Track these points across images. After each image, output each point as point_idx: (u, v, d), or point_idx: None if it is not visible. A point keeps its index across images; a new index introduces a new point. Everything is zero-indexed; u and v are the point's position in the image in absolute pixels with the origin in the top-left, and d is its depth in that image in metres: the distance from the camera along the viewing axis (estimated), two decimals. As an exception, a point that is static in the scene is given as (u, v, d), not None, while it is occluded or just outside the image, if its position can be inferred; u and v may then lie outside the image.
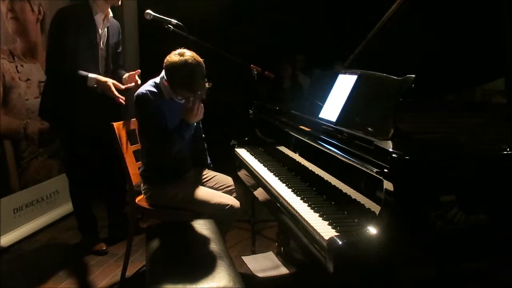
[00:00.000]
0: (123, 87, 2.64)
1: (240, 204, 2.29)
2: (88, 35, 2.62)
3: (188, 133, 2.23)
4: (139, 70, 2.68)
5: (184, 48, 2.17)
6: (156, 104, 2.18)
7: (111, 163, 2.80)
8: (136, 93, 2.23)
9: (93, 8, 2.62)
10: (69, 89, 2.62)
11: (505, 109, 1.52)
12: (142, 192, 2.40)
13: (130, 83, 2.67)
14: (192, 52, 2.15)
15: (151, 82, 2.26)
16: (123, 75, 2.77)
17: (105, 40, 2.73)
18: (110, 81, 2.57)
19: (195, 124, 2.27)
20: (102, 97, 2.63)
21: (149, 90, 2.19)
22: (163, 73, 2.24)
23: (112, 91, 2.55)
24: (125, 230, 2.76)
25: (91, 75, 2.57)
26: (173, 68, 2.11)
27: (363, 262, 1.28)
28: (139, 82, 2.65)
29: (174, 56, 2.12)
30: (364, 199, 1.51)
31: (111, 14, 2.74)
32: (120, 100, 2.60)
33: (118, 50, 2.88)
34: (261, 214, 3.13)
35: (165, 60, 2.15)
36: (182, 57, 2.10)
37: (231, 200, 2.27)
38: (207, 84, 2.19)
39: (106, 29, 2.72)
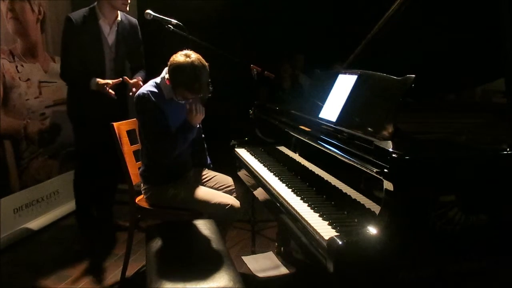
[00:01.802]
0: (110, 82, 2.66)
1: (240, 204, 2.29)
2: (92, 41, 2.69)
3: (190, 135, 2.24)
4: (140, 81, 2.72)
5: (190, 50, 2.18)
6: (157, 104, 2.18)
7: (108, 162, 2.86)
8: (137, 94, 2.23)
9: (98, 14, 2.68)
10: (80, 89, 2.72)
11: (505, 109, 1.52)
12: (142, 192, 2.40)
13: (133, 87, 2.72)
14: (197, 54, 2.16)
15: (151, 82, 2.26)
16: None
17: (113, 44, 2.77)
18: (101, 81, 2.65)
19: (198, 126, 2.27)
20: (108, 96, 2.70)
21: (149, 91, 2.19)
22: (163, 73, 2.24)
23: (103, 89, 2.63)
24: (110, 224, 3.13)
25: (93, 80, 2.65)
26: (178, 69, 2.12)
27: (363, 262, 1.28)
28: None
29: (180, 57, 2.13)
30: (364, 199, 1.51)
31: (119, 18, 2.77)
32: (110, 94, 2.64)
33: (139, 50, 2.94)
34: (261, 214, 3.13)
35: (170, 60, 2.16)
36: (188, 59, 2.11)
37: (231, 200, 2.27)
38: (210, 87, 2.20)
39: (115, 31, 2.76)
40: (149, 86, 2.23)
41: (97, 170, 2.90)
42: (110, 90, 2.63)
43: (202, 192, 2.30)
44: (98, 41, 2.71)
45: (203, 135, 2.58)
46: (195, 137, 2.41)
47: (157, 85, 2.23)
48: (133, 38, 2.89)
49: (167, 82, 2.20)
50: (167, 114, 2.22)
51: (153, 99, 2.17)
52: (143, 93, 2.18)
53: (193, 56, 2.13)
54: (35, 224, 3.22)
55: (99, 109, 2.69)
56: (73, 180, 2.99)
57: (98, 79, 2.65)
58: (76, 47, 2.65)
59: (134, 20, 2.91)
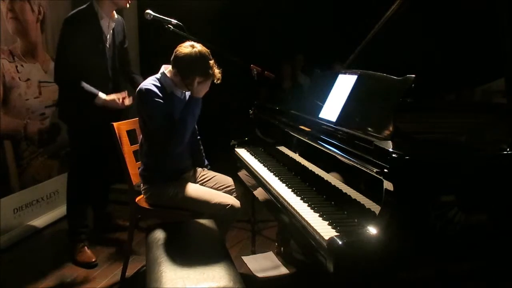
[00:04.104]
0: (127, 102, 2.73)
1: (240, 204, 2.29)
2: (95, 42, 2.63)
3: (197, 110, 2.28)
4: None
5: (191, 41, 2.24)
6: (160, 98, 2.20)
7: (103, 161, 2.90)
8: (139, 88, 2.23)
9: (98, 12, 2.62)
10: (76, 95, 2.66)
11: (505, 109, 1.52)
12: (142, 192, 2.40)
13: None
14: (200, 44, 2.24)
15: (152, 78, 2.28)
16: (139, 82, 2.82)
17: (111, 41, 2.75)
18: (113, 96, 2.65)
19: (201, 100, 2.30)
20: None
21: (152, 84, 2.22)
22: (162, 69, 2.29)
23: (117, 104, 2.67)
24: (108, 223, 3.22)
25: (100, 94, 2.61)
26: (189, 59, 2.17)
27: (363, 262, 1.28)
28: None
29: (185, 49, 2.19)
30: (364, 199, 1.51)
31: (116, 16, 2.75)
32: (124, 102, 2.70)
33: (125, 46, 2.91)
34: (261, 214, 3.13)
35: (176, 54, 2.20)
36: (195, 49, 2.19)
37: (231, 200, 2.27)
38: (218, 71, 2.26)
39: (112, 29, 2.74)
40: (150, 81, 2.25)
41: (92, 171, 2.84)
42: (119, 101, 2.66)
43: (202, 192, 2.30)
44: (101, 42, 2.66)
45: (198, 137, 2.58)
46: (191, 137, 2.41)
47: (158, 80, 2.26)
48: (123, 33, 2.88)
49: (169, 74, 2.25)
50: (170, 108, 2.24)
51: (156, 92, 2.20)
52: (145, 87, 2.20)
53: (198, 46, 2.21)
54: (35, 224, 3.22)
55: (95, 111, 2.64)
56: (67, 182, 2.87)
57: (103, 97, 2.60)
58: (79, 53, 2.55)
59: (120, 16, 2.87)
